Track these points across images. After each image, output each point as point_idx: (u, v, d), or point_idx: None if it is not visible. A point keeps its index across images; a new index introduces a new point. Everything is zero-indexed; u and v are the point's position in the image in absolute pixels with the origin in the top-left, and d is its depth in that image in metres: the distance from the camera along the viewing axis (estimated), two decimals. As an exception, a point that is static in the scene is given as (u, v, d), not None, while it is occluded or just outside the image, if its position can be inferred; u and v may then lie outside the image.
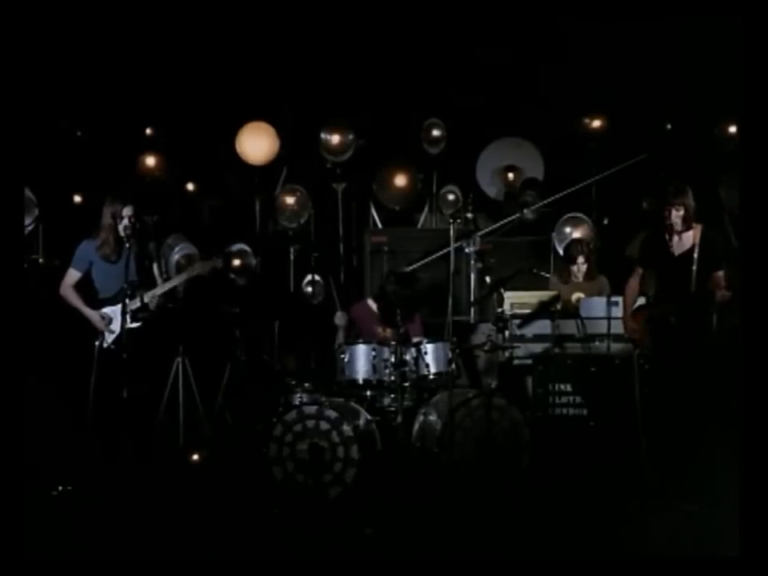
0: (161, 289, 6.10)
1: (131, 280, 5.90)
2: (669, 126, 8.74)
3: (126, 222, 5.96)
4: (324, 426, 5.79)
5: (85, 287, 6.11)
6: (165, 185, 8.74)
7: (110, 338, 6.00)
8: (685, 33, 7.41)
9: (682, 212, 5.79)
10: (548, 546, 4.86)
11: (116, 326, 5.97)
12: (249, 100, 8.49)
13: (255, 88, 8.43)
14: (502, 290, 6.79)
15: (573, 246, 7.26)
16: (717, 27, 6.53)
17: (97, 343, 5.99)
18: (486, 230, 8.28)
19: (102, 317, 5.99)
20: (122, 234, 5.97)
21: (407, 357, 6.22)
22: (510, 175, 8.98)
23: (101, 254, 6.05)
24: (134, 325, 5.99)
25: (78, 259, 6.10)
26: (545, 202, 8.49)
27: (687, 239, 5.84)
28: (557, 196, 8.47)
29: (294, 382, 6.36)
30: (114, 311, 5.97)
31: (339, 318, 6.64)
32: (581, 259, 7.07)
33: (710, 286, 5.72)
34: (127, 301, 5.89)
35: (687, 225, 5.82)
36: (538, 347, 6.53)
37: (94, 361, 5.94)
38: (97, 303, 6.06)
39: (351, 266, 8.81)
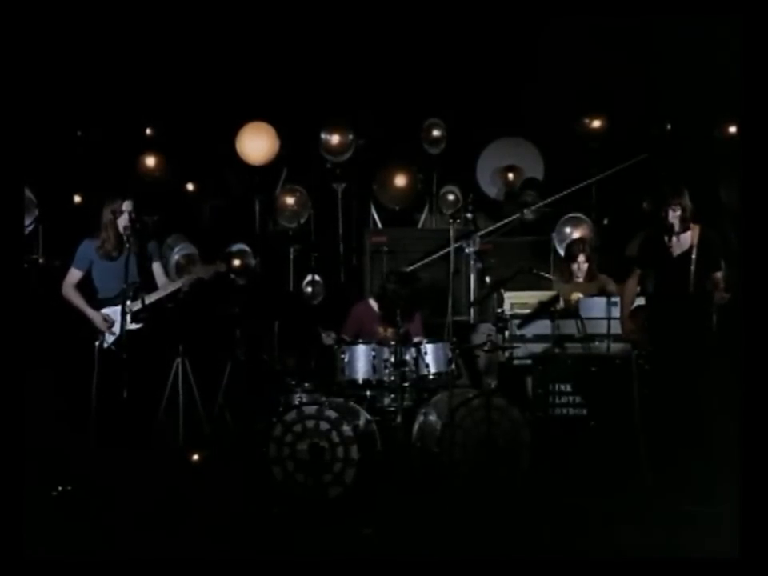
0: (163, 291, 6.10)
1: (132, 281, 5.90)
2: (669, 126, 8.73)
3: (125, 217, 5.96)
4: (324, 426, 5.79)
5: (85, 287, 6.11)
6: (165, 185, 8.74)
7: (110, 339, 6.00)
8: (685, 33, 7.40)
9: (679, 212, 5.80)
10: (548, 545, 4.86)
11: (117, 327, 5.97)
12: (249, 100, 8.49)
13: (255, 88, 8.43)
14: (502, 290, 6.79)
15: (574, 244, 7.25)
16: (716, 27, 6.53)
17: (97, 344, 5.99)
18: (486, 230, 8.28)
19: (105, 318, 5.99)
20: (121, 231, 5.97)
21: (407, 357, 6.22)
22: (510, 175, 8.98)
23: (101, 254, 6.04)
24: (135, 326, 6.00)
25: (79, 259, 6.10)
26: (545, 202, 8.49)
27: (685, 240, 5.84)
28: (557, 196, 8.47)
29: (293, 382, 6.36)
30: (115, 312, 5.96)
31: (327, 338, 6.64)
32: (581, 258, 7.04)
33: (708, 287, 5.72)
34: (128, 302, 5.90)
35: (685, 225, 5.82)
36: (538, 347, 6.51)
37: (95, 361, 5.94)
38: (96, 303, 6.06)
39: (351, 265, 8.81)
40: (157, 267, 6.22)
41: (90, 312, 6.03)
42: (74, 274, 6.11)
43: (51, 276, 6.74)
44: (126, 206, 5.98)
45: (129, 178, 8.34)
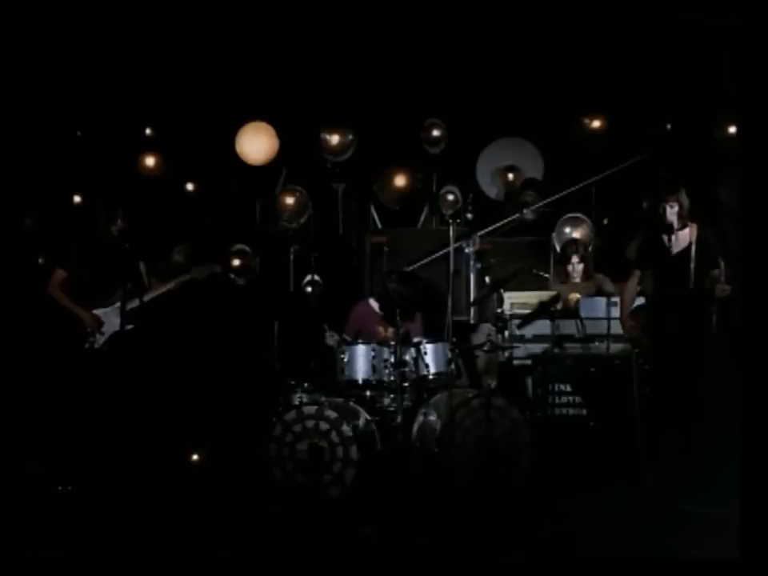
0: (155, 291, 6.13)
1: (128, 282, 5.92)
2: (669, 126, 8.73)
3: (119, 222, 6.01)
4: (324, 426, 5.79)
5: (77, 288, 6.11)
6: (165, 185, 8.74)
7: (101, 340, 6.01)
8: (685, 32, 7.41)
9: (676, 209, 5.81)
10: (548, 545, 4.86)
11: (107, 328, 5.99)
12: (249, 100, 8.49)
13: (255, 88, 8.43)
14: (502, 290, 6.79)
15: (568, 245, 7.25)
16: (716, 27, 6.54)
17: (87, 345, 5.99)
18: (486, 229, 8.28)
19: (95, 318, 6.00)
20: (115, 233, 6.01)
21: (407, 357, 6.22)
22: (510, 175, 8.97)
23: (93, 255, 6.07)
24: (127, 326, 6.00)
25: (68, 259, 6.13)
26: (545, 201, 8.48)
27: (684, 238, 5.85)
28: (557, 196, 8.46)
29: (293, 382, 6.36)
30: (105, 313, 5.99)
31: (330, 338, 6.64)
32: (575, 258, 7.03)
33: (708, 284, 5.72)
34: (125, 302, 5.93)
35: (683, 222, 5.84)
36: (537, 347, 6.50)
37: (86, 362, 5.95)
38: (86, 304, 6.07)
39: (351, 265, 8.80)
40: (142, 266, 6.25)
41: (80, 312, 6.04)
42: (60, 274, 6.13)
43: (50, 276, 6.74)
44: (120, 212, 6.03)
45: (127, 179, 8.35)
